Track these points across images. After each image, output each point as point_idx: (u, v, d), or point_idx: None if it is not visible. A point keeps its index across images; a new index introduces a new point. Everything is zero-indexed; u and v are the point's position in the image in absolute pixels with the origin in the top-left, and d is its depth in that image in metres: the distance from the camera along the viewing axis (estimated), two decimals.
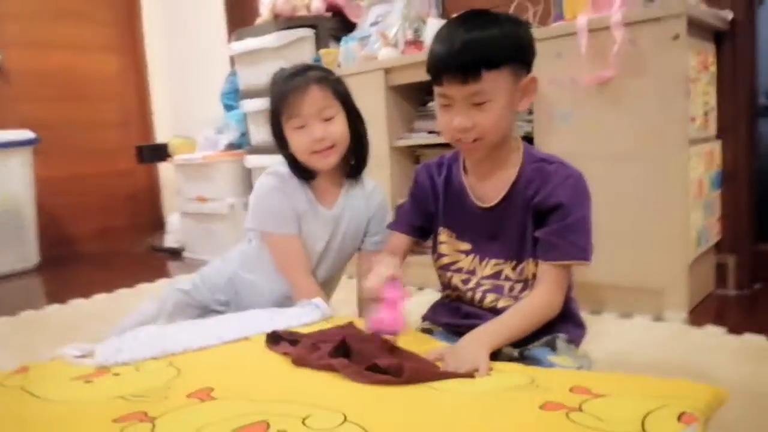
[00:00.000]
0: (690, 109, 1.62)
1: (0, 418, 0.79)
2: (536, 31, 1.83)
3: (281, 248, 1.37)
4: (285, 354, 0.95)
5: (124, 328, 1.37)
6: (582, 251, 1.04)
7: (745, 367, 1.29)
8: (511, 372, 0.88)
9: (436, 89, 1.05)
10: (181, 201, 3.23)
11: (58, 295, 2.40)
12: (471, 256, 1.15)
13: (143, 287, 2.47)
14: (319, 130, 1.27)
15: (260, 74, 2.72)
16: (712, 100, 1.84)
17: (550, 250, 1.05)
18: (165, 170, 3.97)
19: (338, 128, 1.30)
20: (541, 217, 1.06)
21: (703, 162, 1.75)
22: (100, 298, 2.33)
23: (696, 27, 1.65)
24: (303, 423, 0.68)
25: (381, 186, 1.49)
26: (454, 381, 0.83)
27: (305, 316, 1.21)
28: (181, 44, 3.83)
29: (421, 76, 2.19)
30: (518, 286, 1.12)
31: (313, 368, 0.89)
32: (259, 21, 2.78)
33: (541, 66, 1.78)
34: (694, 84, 1.65)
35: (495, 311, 1.10)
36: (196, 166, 3.07)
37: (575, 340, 1.12)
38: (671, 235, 1.62)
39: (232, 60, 3.33)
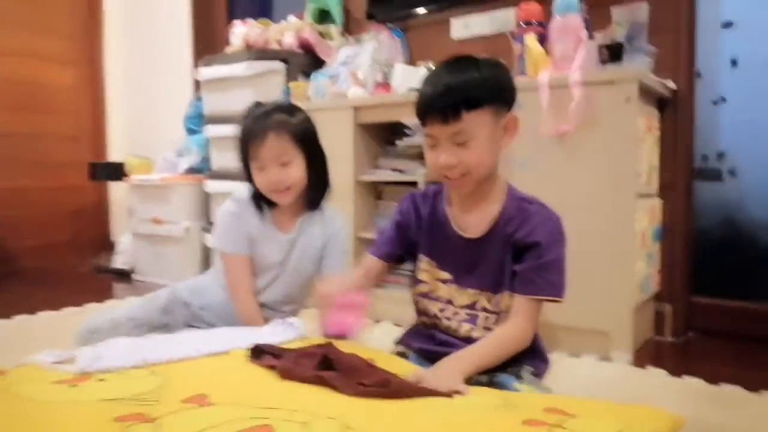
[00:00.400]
0: (637, 166, 1.77)
1: None
2: None
3: (230, 266, 1.50)
4: (270, 367, 0.98)
5: (95, 326, 1.50)
6: (557, 289, 1.12)
7: (688, 405, 1.38)
8: (485, 393, 0.95)
9: (424, 130, 1.14)
10: (134, 222, 3.18)
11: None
12: (450, 285, 1.21)
13: (91, 306, 2.40)
14: (274, 174, 1.39)
15: (227, 101, 2.76)
16: (655, 160, 2.01)
17: (528, 285, 1.12)
18: (116, 189, 3.89)
19: (294, 172, 1.41)
20: (519, 253, 1.14)
21: (647, 216, 1.90)
22: (45, 316, 2.25)
23: (644, 92, 1.82)
24: (306, 429, 0.72)
25: (341, 214, 1.60)
26: (437, 398, 0.88)
27: (281, 335, 1.24)
28: (143, 63, 3.82)
29: (388, 116, 2.34)
30: (492, 318, 1.18)
31: (300, 381, 0.92)
32: (229, 49, 2.83)
33: None
34: (641, 144, 1.81)
35: (469, 340, 1.16)
36: (153, 188, 3.04)
37: (539, 374, 1.19)
38: (618, 280, 1.75)
39: (197, 84, 3.36)
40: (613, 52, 1.76)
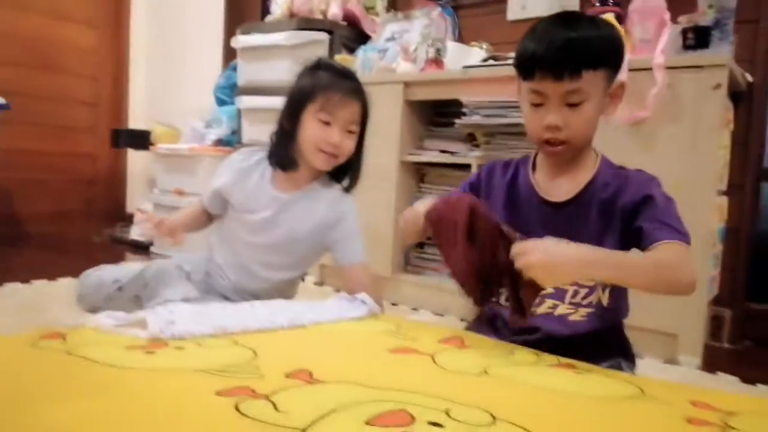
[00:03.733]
0: (719, 160, 1.67)
1: (60, 382, 0.67)
2: None
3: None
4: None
5: (102, 273, 1.44)
6: (685, 236, 0.95)
7: None
8: (615, 378, 0.84)
9: (527, 85, 1.01)
10: (156, 193, 3.05)
11: (14, 274, 2.19)
12: None
13: None
14: (338, 137, 1.30)
15: (265, 71, 2.65)
16: (728, 156, 1.90)
17: (659, 234, 0.94)
18: (134, 158, 3.76)
19: (351, 145, 1.35)
20: (630, 217, 1.00)
21: (716, 215, 1.80)
22: (65, 282, 2.13)
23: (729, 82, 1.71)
24: (448, 416, 0.61)
25: (354, 202, 1.43)
26: (563, 381, 0.78)
27: (352, 311, 1.13)
28: (170, 30, 3.67)
29: (438, 93, 2.23)
30: (583, 291, 1.04)
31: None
32: (270, 18, 2.70)
33: None
34: (722, 136, 1.71)
35: (549, 320, 1.04)
36: (179, 158, 2.92)
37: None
38: None
39: (228, 53, 3.24)
40: (700, 37, 1.64)
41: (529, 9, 2.35)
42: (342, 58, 2.43)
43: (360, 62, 2.40)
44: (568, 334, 1.04)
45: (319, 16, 2.62)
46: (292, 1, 2.59)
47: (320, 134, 1.30)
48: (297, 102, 1.33)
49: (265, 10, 2.94)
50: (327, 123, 1.29)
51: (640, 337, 1.70)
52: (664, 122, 1.67)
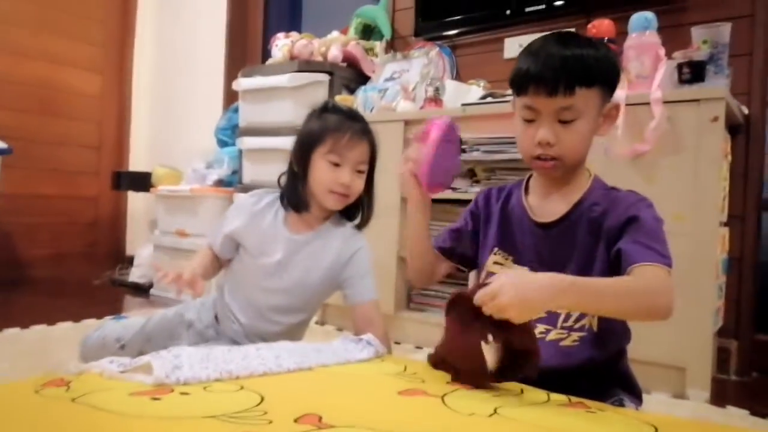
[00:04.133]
0: (720, 191, 1.67)
1: (64, 431, 0.66)
2: None
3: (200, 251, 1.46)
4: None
5: (104, 333, 1.43)
6: (666, 258, 0.92)
7: None
8: (628, 417, 0.82)
9: (521, 101, 1.02)
10: (157, 234, 3.05)
11: (14, 318, 2.17)
12: None
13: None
14: (348, 177, 1.31)
15: (267, 112, 2.68)
16: (727, 187, 1.91)
17: (645, 252, 0.92)
18: (135, 200, 3.77)
19: (360, 184, 1.35)
20: (616, 238, 0.98)
21: (719, 245, 1.80)
22: (65, 327, 2.12)
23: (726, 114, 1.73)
24: None
25: (366, 240, 1.43)
26: (574, 421, 0.76)
27: (358, 352, 1.12)
28: (172, 74, 3.73)
29: None
30: (574, 315, 1.03)
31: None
32: (271, 61, 2.75)
33: None
34: (721, 168, 1.72)
35: (543, 346, 0.99)
36: (180, 199, 2.93)
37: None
38: (697, 313, 1.63)
39: (228, 96, 3.28)
40: (696, 71, 1.67)
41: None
42: (342, 98, 2.47)
43: (360, 102, 2.44)
44: (565, 366, 1.01)
45: (319, 59, 2.67)
46: (293, 45, 2.64)
47: (331, 176, 1.30)
48: (306, 144, 1.34)
49: (266, 54, 2.99)
50: (337, 164, 1.30)
51: (647, 371, 1.69)
52: (665, 155, 1.68)
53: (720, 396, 1.68)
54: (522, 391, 0.89)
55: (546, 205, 1.08)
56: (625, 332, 1.10)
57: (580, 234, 1.02)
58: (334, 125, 1.32)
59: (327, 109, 1.37)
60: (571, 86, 0.96)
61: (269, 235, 1.38)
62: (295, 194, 1.36)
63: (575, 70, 0.96)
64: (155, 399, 0.77)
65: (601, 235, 1.01)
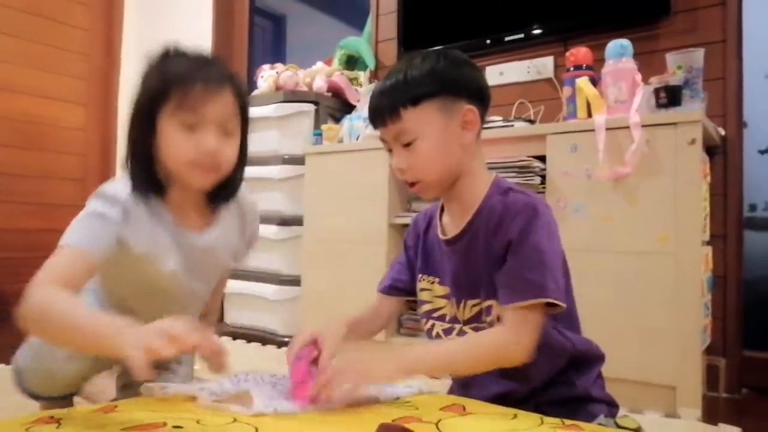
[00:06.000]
0: (701, 212, 1.71)
1: None
2: (554, 126, 1.93)
3: (64, 259, 0.98)
4: None
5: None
6: (537, 288, 0.92)
7: None
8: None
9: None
10: None
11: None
12: (450, 301, 1.07)
13: None
14: (212, 140, 1.00)
15: (254, 141, 2.66)
16: (708, 207, 1.95)
17: (505, 291, 0.94)
18: None
19: (233, 149, 1.04)
20: (502, 259, 0.97)
21: (703, 263, 1.83)
22: None
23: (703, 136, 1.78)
24: None
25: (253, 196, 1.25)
26: None
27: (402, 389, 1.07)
28: None
29: None
30: (474, 309, 1.04)
31: None
32: (256, 92, 2.78)
33: (555, 158, 1.87)
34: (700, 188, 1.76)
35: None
36: None
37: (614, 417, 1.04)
38: (685, 332, 1.65)
39: None
40: (672, 96, 1.72)
41: (506, 75, 2.45)
42: (328, 128, 2.50)
43: (346, 130, 2.47)
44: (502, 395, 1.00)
45: (305, 89, 2.71)
46: (278, 76, 2.68)
47: (188, 146, 0.99)
48: (146, 106, 1.01)
49: (252, 87, 3.02)
50: (191, 126, 0.99)
51: (638, 391, 1.71)
52: (646, 177, 1.72)
53: (711, 414, 1.69)
54: (515, 416, 0.89)
55: (453, 221, 1.08)
56: (573, 338, 1.04)
57: (482, 247, 1.01)
58: (178, 73, 1.00)
59: (168, 55, 1.04)
60: (395, 111, 0.98)
61: (162, 245, 1.06)
62: (143, 178, 1.03)
63: (394, 96, 0.99)
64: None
65: (495, 249, 0.99)
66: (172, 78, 0.99)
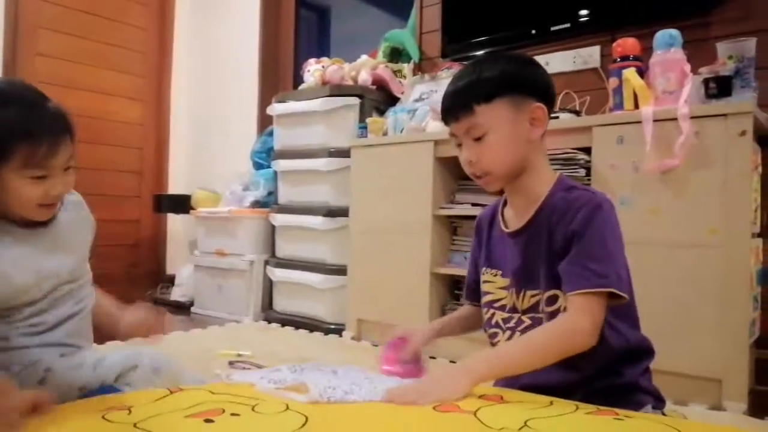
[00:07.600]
0: (752, 203, 1.68)
1: None
2: (600, 118, 1.92)
3: None
4: None
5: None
6: (603, 278, 0.95)
7: None
8: (658, 423, 0.84)
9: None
10: (197, 254, 3.16)
11: None
12: (510, 291, 1.11)
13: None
14: (60, 185, 1.07)
15: (300, 135, 2.78)
16: (758, 199, 1.91)
17: (570, 279, 0.98)
18: (174, 222, 3.91)
19: (73, 179, 1.12)
20: (564, 251, 1.01)
21: (753, 256, 1.80)
22: (111, 345, 2.21)
23: (753, 128, 1.74)
24: None
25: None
26: (603, 428, 0.79)
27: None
28: (208, 100, 3.89)
29: None
30: (532, 301, 1.07)
31: None
32: (303, 86, 2.85)
33: (601, 150, 1.86)
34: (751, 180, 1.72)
35: None
36: (219, 220, 3.04)
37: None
38: (733, 324, 1.63)
39: (263, 120, 3.40)
40: (722, 86, 1.69)
41: (552, 65, 2.43)
42: (373, 121, 2.54)
43: (391, 123, 2.50)
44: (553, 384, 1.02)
45: (350, 83, 2.76)
46: (324, 70, 2.73)
47: (37, 191, 1.04)
48: None
49: (298, 80, 3.10)
50: (41, 177, 1.03)
51: (683, 383, 1.71)
52: (695, 169, 1.70)
53: (758, 407, 1.67)
54: (551, 403, 0.92)
55: (516, 214, 1.12)
56: (628, 333, 1.06)
57: (543, 240, 1.05)
58: (19, 132, 1.00)
59: (7, 101, 1.02)
60: (468, 106, 1.03)
61: (21, 260, 1.09)
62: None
63: (468, 91, 1.04)
64: (208, 421, 0.83)
65: (557, 243, 1.02)
66: (15, 136, 1.00)
